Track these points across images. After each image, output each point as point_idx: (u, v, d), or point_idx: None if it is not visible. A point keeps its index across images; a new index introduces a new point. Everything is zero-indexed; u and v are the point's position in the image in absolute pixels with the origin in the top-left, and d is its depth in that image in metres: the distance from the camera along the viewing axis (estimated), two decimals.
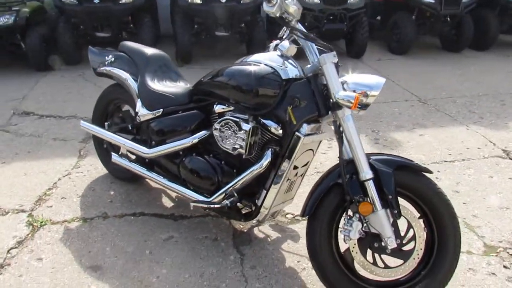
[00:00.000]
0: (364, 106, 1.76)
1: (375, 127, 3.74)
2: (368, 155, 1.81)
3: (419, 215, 1.81)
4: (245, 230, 2.28)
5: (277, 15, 1.75)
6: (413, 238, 1.77)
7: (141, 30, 5.56)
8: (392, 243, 1.69)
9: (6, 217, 2.42)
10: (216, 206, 2.00)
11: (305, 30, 1.82)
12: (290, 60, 1.89)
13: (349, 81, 1.80)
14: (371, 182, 1.70)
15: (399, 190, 1.78)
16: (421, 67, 5.69)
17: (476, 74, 5.39)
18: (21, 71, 5.37)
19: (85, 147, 3.29)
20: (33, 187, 2.72)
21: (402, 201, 1.81)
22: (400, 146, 3.35)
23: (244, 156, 1.93)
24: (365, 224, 1.72)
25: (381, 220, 1.69)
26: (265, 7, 1.75)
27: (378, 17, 6.96)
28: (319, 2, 5.61)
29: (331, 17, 5.68)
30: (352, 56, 6.10)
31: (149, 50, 2.51)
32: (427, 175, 1.80)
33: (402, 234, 1.76)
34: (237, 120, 1.92)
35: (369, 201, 1.70)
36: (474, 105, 4.26)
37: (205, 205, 2.03)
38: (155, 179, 2.30)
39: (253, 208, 2.05)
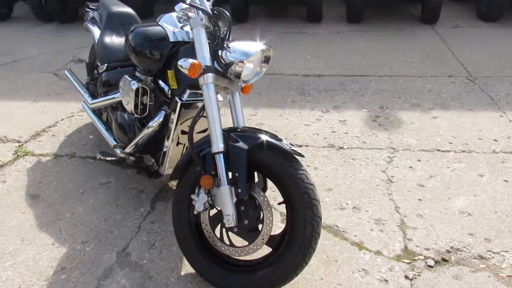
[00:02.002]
0: (237, 76, 1.68)
1: (387, 103, 3.34)
2: (231, 129, 1.73)
3: (282, 200, 1.69)
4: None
5: None
6: (261, 221, 1.67)
7: None
8: (229, 222, 1.61)
9: (3, 144, 2.94)
10: (118, 158, 2.13)
11: None
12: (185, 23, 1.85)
13: (230, 48, 1.71)
14: (220, 156, 1.63)
15: (262, 171, 1.69)
16: (500, 38, 4.73)
17: None
18: None
19: None
20: (38, 124, 3.20)
21: (270, 183, 1.72)
22: (397, 128, 2.97)
23: (134, 116, 2.00)
24: (209, 198, 1.67)
25: (222, 196, 1.62)
26: None
27: None
28: None
29: None
30: (425, 21, 5.35)
31: (115, 7, 2.66)
32: (299, 158, 1.65)
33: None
34: (130, 79, 1.98)
35: (214, 174, 1.65)
36: None
37: (109, 158, 2.17)
38: (95, 124, 2.51)
39: (156, 167, 2.13)
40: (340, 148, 2.76)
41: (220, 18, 2.07)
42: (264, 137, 1.66)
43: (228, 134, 1.68)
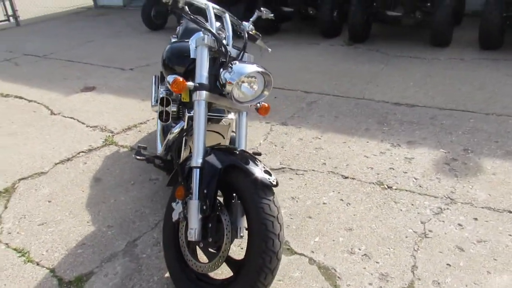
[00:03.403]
0: (230, 95, 1.71)
1: (475, 146, 2.84)
2: (216, 147, 1.76)
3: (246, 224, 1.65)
4: None
5: None
6: (221, 241, 1.65)
7: (438, 9, 4.76)
8: (191, 235, 1.65)
9: (100, 132, 3.50)
10: (146, 158, 2.35)
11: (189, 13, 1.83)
12: None
13: (231, 68, 1.76)
14: (196, 170, 1.69)
15: (233, 193, 1.68)
16: None
17: None
18: (309, 35, 6.39)
19: None
20: (134, 120, 3.71)
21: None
22: (470, 177, 2.50)
23: (162, 122, 2.18)
24: (184, 209, 1.73)
25: (190, 209, 1.67)
26: None
27: None
28: None
29: None
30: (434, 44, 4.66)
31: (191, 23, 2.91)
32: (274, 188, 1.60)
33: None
34: (160, 89, 2.17)
35: (188, 187, 1.70)
36: None
37: (139, 157, 2.39)
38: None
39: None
40: (388, 187, 2.48)
41: (251, 38, 2.13)
42: (240, 160, 1.65)
43: (211, 151, 1.72)
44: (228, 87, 1.71)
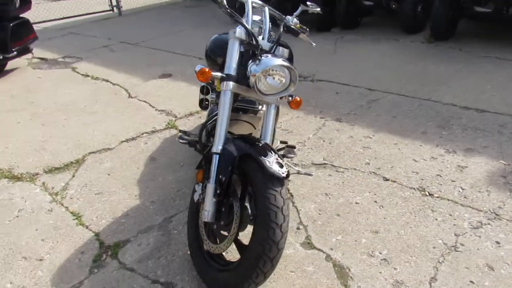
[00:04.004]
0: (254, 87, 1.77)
1: None
2: (239, 136, 1.83)
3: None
4: None
5: None
6: (231, 225, 1.73)
7: None
8: (205, 216, 1.76)
9: (165, 116, 3.78)
10: (188, 142, 2.50)
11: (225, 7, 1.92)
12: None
13: (258, 61, 1.82)
14: (216, 156, 1.79)
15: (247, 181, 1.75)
16: None
17: None
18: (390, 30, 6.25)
19: None
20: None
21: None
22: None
23: (201, 109, 2.32)
24: (203, 191, 1.84)
25: (207, 192, 1.78)
26: None
27: None
28: None
29: None
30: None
31: None
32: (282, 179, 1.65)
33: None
34: None
35: (207, 171, 1.81)
36: None
37: (182, 141, 2.55)
38: None
39: None
40: (429, 194, 2.35)
41: (292, 32, 2.17)
42: (255, 150, 1.71)
43: (232, 139, 1.81)
44: (252, 79, 1.78)
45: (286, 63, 1.78)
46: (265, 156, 1.68)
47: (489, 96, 3.53)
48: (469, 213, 2.18)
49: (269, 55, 1.83)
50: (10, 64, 5.78)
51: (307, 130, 3.26)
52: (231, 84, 1.82)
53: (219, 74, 1.81)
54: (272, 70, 1.79)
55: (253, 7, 2.03)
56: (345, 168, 2.70)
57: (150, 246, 2.18)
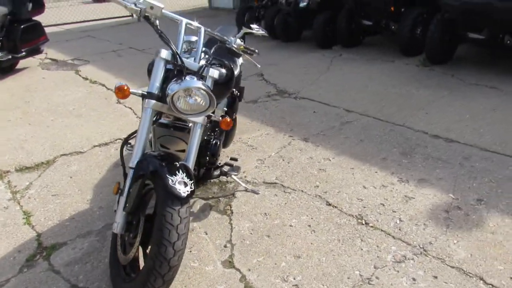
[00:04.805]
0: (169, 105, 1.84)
1: (493, 198, 2.47)
2: (158, 152, 1.88)
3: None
4: None
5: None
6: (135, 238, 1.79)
7: None
8: (114, 228, 1.84)
9: None
10: None
11: (157, 27, 1.99)
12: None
13: (182, 81, 1.88)
14: (131, 170, 1.85)
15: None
16: None
17: None
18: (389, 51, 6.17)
19: None
20: None
21: None
22: (464, 231, 2.20)
23: None
24: None
25: (119, 205, 1.85)
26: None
27: None
28: None
29: None
30: None
31: None
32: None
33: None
34: None
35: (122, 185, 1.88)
36: None
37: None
38: None
39: None
40: (365, 223, 2.33)
41: (232, 53, 2.22)
42: (164, 167, 1.76)
43: (148, 155, 1.86)
44: (168, 98, 1.83)
45: (201, 85, 1.82)
46: (171, 175, 1.73)
47: (463, 126, 3.45)
48: (397, 245, 2.14)
49: (193, 77, 1.87)
50: (21, 63, 6.09)
51: (271, 148, 3.28)
52: (151, 102, 1.88)
53: (139, 91, 1.88)
54: (186, 91, 1.82)
55: (189, 28, 2.09)
56: (293, 189, 2.70)
57: (82, 251, 2.25)
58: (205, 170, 2.49)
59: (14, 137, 3.68)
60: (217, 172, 2.54)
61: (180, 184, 1.71)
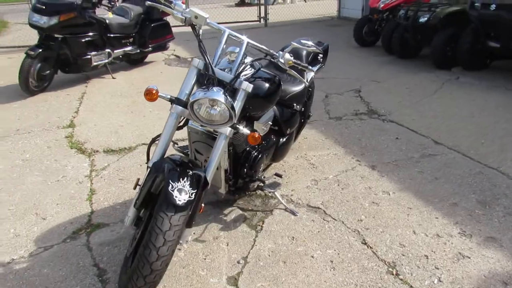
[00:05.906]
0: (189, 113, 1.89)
1: None
2: (174, 156, 1.95)
3: None
4: None
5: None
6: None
7: None
8: (125, 221, 1.98)
9: None
10: None
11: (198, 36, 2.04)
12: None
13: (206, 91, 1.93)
14: (148, 169, 1.95)
15: None
16: None
17: None
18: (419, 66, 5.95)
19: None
20: None
21: None
22: None
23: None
24: None
25: (133, 199, 1.96)
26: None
27: None
28: None
29: None
30: None
31: None
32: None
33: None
34: None
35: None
36: None
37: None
38: None
39: None
40: (395, 274, 2.04)
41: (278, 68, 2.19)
42: (172, 173, 1.81)
43: (165, 158, 1.94)
44: (188, 104, 1.87)
45: (219, 98, 1.80)
46: (174, 181, 1.77)
47: None
48: None
49: (220, 89, 1.87)
50: (150, 57, 6.88)
51: (332, 170, 3.09)
52: (177, 107, 1.95)
53: (168, 95, 1.96)
54: (211, 101, 1.83)
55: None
56: (333, 218, 2.51)
57: (118, 235, 2.45)
58: (244, 182, 2.47)
59: (115, 122, 4.18)
60: (254, 185, 2.51)
61: (179, 192, 1.74)
